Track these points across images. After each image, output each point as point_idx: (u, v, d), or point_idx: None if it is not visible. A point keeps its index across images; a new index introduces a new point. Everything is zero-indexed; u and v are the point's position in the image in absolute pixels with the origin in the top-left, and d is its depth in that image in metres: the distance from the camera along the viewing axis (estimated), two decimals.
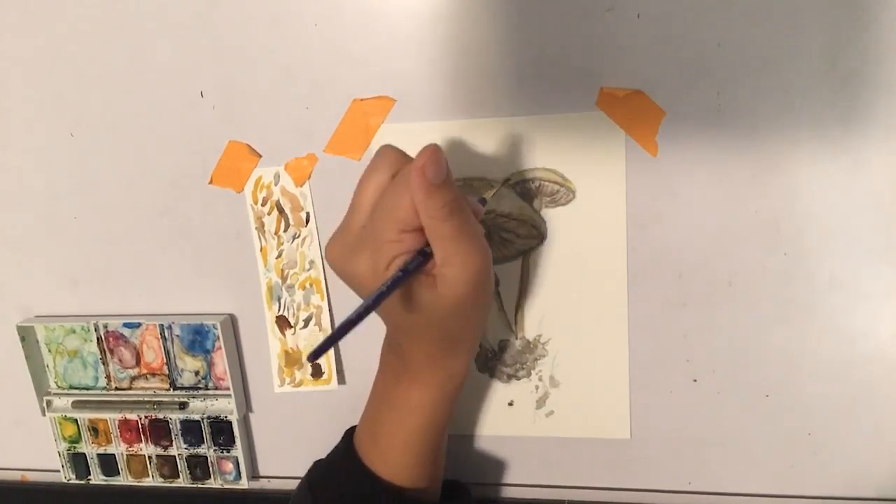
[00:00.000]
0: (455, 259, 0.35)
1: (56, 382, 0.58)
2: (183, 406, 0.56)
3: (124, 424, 0.57)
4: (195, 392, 0.56)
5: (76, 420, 0.58)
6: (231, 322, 0.54)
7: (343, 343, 0.52)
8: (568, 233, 0.46)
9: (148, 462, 0.58)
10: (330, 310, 0.52)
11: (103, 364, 0.56)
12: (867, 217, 0.43)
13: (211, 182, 0.51)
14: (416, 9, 0.44)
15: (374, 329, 0.52)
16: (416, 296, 0.36)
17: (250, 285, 0.52)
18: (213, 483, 0.57)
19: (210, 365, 0.55)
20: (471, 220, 0.36)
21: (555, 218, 0.46)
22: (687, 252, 0.46)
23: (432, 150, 0.34)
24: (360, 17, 0.45)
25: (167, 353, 0.55)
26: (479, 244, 0.36)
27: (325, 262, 0.51)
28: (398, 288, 0.35)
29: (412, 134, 0.46)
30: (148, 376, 0.56)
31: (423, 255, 0.36)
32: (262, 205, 0.50)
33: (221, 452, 0.56)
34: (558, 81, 0.44)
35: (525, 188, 0.46)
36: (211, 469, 0.57)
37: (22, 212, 0.54)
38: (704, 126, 0.43)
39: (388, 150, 0.38)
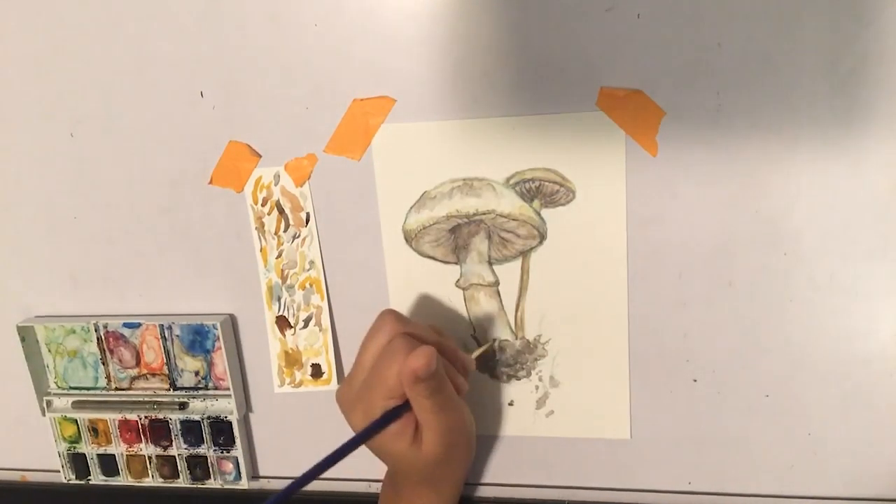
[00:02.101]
0: (432, 427, 0.42)
1: (56, 382, 0.58)
2: (183, 406, 0.56)
3: (124, 425, 0.57)
4: (195, 392, 0.56)
5: (76, 420, 0.58)
6: (231, 322, 0.54)
7: (343, 343, 0.53)
8: (568, 233, 0.46)
9: (148, 462, 0.58)
10: (330, 310, 0.52)
11: (103, 364, 0.56)
12: (867, 217, 0.43)
13: (211, 182, 0.51)
14: (416, 9, 0.44)
15: None
16: (400, 450, 0.43)
17: (250, 285, 0.52)
18: (213, 483, 0.57)
19: (210, 365, 0.55)
20: (450, 398, 0.43)
21: (555, 218, 0.46)
22: (687, 252, 0.46)
23: (427, 356, 0.40)
24: (360, 17, 0.45)
25: (167, 353, 0.55)
26: (455, 417, 0.44)
27: (326, 267, 0.51)
28: (375, 433, 0.42)
29: (412, 134, 0.46)
30: (148, 376, 0.56)
31: (400, 409, 0.42)
32: (262, 205, 0.50)
33: (221, 452, 0.56)
34: (558, 81, 0.44)
35: (525, 188, 0.46)
36: (211, 469, 0.57)
37: (22, 212, 0.54)
38: (704, 126, 0.43)
39: (387, 316, 0.44)
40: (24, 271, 0.56)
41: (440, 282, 0.49)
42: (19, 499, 0.63)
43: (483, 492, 0.54)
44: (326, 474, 0.57)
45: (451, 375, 0.44)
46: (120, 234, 0.53)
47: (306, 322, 0.52)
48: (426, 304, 0.50)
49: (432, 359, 0.40)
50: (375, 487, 0.55)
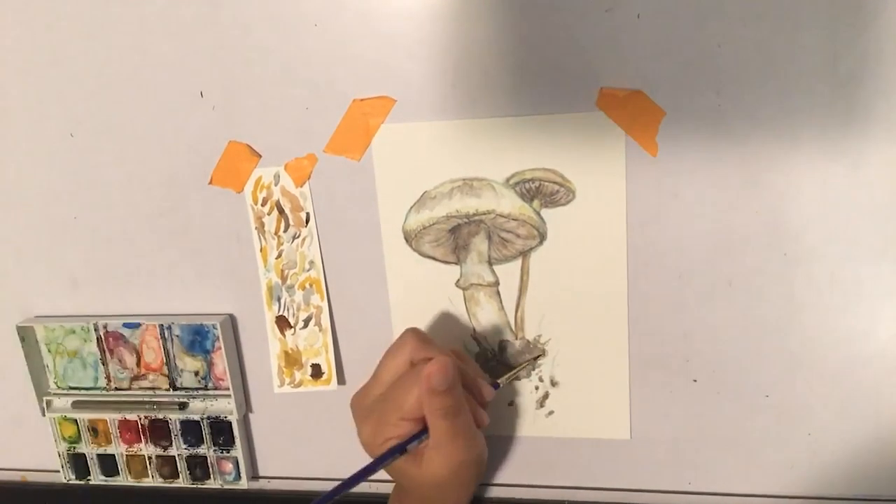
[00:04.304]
0: (443, 450, 0.42)
1: (56, 383, 0.58)
2: (183, 406, 0.56)
3: (124, 425, 0.57)
4: (195, 392, 0.56)
5: (76, 420, 0.58)
6: (231, 322, 0.54)
7: (343, 343, 0.53)
8: (568, 233, 0.46)
9: (148, 462, 0.58)
10: (330, 310, 0.52)
11: (103, 364, 0.56)
12: (867, 217, 0.43)
13: (211, 182, 0.51)
14: (415, 9, 0.44)
15: (374, 330, 0.52)
16: (404, 469, 0.43)
17: (250, 285, 0.52)
18: (213, 483, 0.57)
19: (210, 365, 0.55)
20: (466, 421, 0.43)
21: (555, 218, 0.46)
22: (687, 252, 0.46)
23: (442, 364, 0.41)
24: (360, 17, 0.45)
25: (167, 353, 0.55)
26: (468, 444, 0.43)
27: (326, 267, 0.51)
28: (392, 460, 0.42)
29: (412, 134, 0.46)
30: (148, 376, 0.56)
31: (418, 439, 0.42)
32: (262, 205, 0.50)
33: (221, 453, 0.56)
34: (558, 81, 0.44)
35: (525, 188, 0.46)
36: (211, 469, 0.57)
37: (22, 212, 0.54)
38: (704, 126, 0.43)
39: (410, 337, 0.45)
40: (24, 271, 0.56)
41: (440, 282, 0.49)
42: (19, 499, 0.63)
43: (483, 492, 0.54)
44: (326, 474, 0.57)
45: (471, 405, 0.44)
46: (120, 234, 0.53)
47: (306, 322, 0.52)
48: (426, 304, 0.50)
49: (448, 368, 0.41)
50: (376, 487, 0.55)
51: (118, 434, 0.57)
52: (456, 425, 0.42)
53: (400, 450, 0.42)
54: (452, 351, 0.47)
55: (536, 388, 0.51)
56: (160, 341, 0.55)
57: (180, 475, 0.57)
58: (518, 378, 0.50)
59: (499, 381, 0.48)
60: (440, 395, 0.41)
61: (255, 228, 0.51)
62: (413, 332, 0.45)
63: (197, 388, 0.56)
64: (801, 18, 0.40)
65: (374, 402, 0.44)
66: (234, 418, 0.55)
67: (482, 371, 0.49)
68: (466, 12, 0.43)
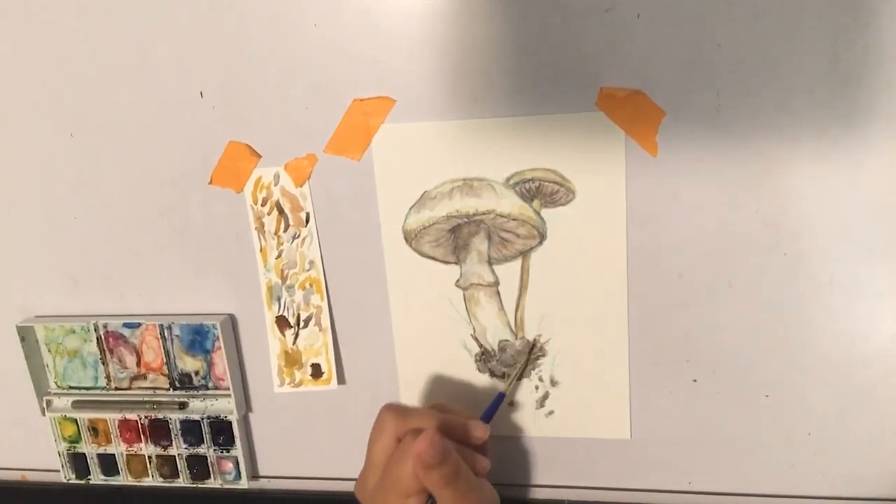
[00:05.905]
0: None
1: (56, 382, 0.58)
2: (183, 406, 0.56)
3: (124, 424, 0.57)
4: (195, 392, 0.56)
5: (76, 420, 0.58)
6: (231, 322, 0.54)
7: (343, 343, 0.53)
8: (568, 233, 0.46)
9: (148, 462, 0.58)
10: (330, 310, 0.52)
11: (103, 364, 0.56)
12: (867, 217, 0.43)
13: (211, 182, 0.51)
14: (415, 9, 0.44)
15: (374, 330, 0.52)
16: None
17: (250, 285, 0.52)
18: (213, 483, 0.57)
19: (210, 365, 0.55)
20: (468, 481, 0.41)
21: (555, 218, 0.46)
22: (687, 252, 0.46)
23: (428, 439, 0.40)
24: (360, 17, 0.45)
25: (167, 353, 0.55)
26: (477, 499, 0.42)
27: (326, 267, 0.51)
28: None
29: (412, 134, 0.46)
30: (148, 376, 0.56)
31: None
32: (262, 205, 0.50)
33: (221, 452, 0.56)
34: (558, 81, 0.44)
35: (525, 188, 0.46)
36: (211, 469, 0.57)
37: (22, 212, 0.54)
38: (704, 126, 0.43)
39: (388, 415, 0.44)
40: (24, 271, 0.56)
41: (440, 282, 0.49)
42: (19, 499, 0.63)
43: None
44: (326, 474, 0.57)
45: (467, 457, 0.43)
46: (120, 234, 0.53)
47: (306, 322, 0.52)
48: (426, 304, 0.50)
49: (435, 441, 0.40)
50: None
51: (118, 434, 0.57)
52: (459, 489, 0.41)
53: None
54: (434, 406, 0.47)
55: (536, 387, 0.51)
56: (160, 341, 0.55)
57: (180, 475, 0.57)
58: (520, 378, 0.50)
59: (503, 390, 0.47)
60: (436, 467, 0.40)
61: (255, 228, 0.51)
62: (389, 408, 0.45)
63: (197, 388, 0.56)
64: (801, 18, 0.40)
65: (375, 489, 0.44)
66: (234, 418, 0.55)
67: (467, 411, 0.48)
68: (466, 12, 0.43)
